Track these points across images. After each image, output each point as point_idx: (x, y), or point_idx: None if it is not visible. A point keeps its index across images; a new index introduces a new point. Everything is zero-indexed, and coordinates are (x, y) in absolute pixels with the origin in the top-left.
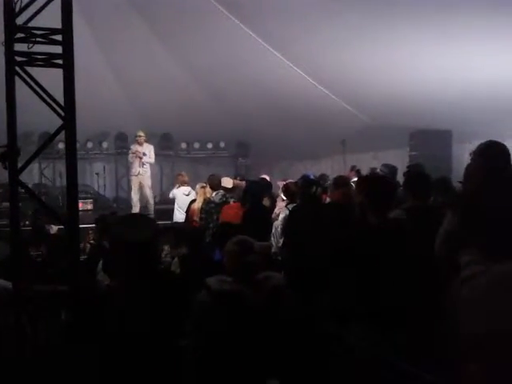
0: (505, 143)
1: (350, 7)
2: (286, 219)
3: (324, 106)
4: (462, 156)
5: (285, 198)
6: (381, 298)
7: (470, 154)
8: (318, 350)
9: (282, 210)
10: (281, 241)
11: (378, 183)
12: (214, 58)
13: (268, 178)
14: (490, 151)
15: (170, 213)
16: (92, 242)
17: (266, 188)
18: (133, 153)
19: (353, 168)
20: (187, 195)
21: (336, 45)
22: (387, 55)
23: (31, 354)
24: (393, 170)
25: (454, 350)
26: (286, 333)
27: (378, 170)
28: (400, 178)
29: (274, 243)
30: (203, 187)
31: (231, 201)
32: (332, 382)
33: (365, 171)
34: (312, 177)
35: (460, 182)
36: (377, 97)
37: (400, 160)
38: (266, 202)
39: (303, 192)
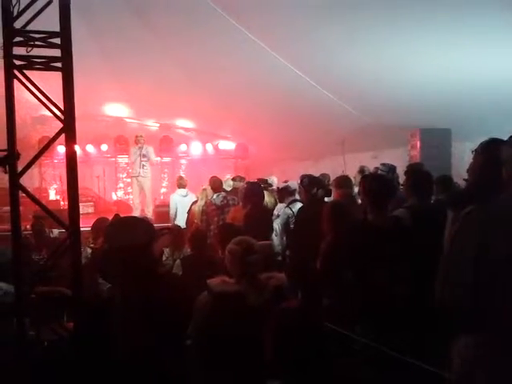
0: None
1: (351, 8)
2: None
3: (323, 106)
4: (462, 154)
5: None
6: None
7: (472, 152)
8: (322, 350)
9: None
10: (282, 241)
11: (373, 182)
12: (212, 60)
13: (276, 180)
14: (491, 148)
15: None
16: (92, 245)
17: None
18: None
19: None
20: (185, 196)
21: (335, 45)
22: (387, 55)
23: (34, 357)
24: (391, 169)
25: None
26: (288, 333)
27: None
28: (401, 177)
29: (275, 243)
30: (205, 189)
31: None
32: (336, 382)
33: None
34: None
35: (465, 179)
36: (376, 96)
37: (400, 159)
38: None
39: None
